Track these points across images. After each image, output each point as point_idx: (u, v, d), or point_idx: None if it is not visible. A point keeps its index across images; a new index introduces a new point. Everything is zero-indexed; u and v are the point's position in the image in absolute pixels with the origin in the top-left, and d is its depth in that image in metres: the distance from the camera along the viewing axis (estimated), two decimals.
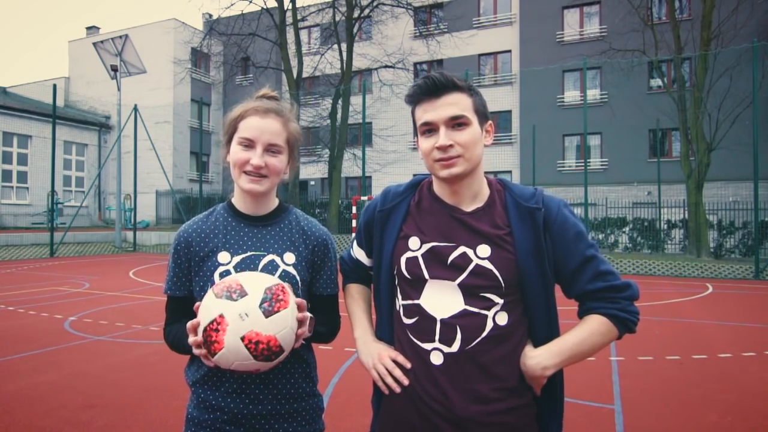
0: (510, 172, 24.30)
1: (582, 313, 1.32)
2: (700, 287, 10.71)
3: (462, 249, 1.28)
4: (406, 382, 1.30)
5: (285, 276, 1.41)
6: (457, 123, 1.26)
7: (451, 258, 1.28)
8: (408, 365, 1.31)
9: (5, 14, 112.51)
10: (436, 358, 1.27)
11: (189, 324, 1.24)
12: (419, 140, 1.32)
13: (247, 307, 1.17)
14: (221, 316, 1.17)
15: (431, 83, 1.26)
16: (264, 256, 1.42)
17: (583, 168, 16.42)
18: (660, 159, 20.39)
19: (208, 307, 1.20)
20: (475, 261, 1.26)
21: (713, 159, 15.70)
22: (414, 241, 1.33)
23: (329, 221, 20.80)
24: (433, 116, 1.26)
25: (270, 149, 1.39)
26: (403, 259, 1.33)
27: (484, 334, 1.25)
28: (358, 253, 1.52)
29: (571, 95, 23.79)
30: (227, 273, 1.38)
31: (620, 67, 18.33)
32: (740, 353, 5.33)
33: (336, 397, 3.97)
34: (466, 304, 1.26)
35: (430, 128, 1.28)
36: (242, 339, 1.16)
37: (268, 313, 1.18)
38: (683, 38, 16.34)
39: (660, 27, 17.90)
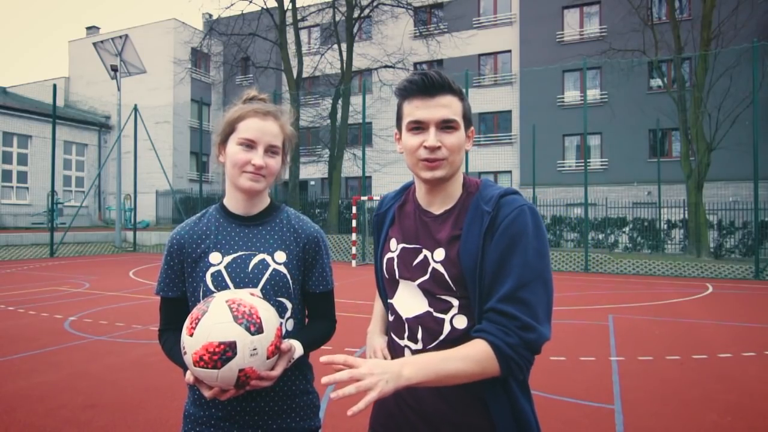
0: (510, 172, 24.31)
1: (471, 331, 1.20)
2: (700, 287, 10.72)
3: (424, 252, 1.31)
4: None
5: (276, 275, 1.43)
6: (447, 126, 1.25)
7: (416, 260, 1.32)
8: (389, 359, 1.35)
9: (5, 14, 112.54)
10: (408, 355, 1.31)
11: (212, 393, 1.25)
12: (403, 136, 1.31)
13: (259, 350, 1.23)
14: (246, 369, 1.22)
15: (428, 82, 1.24)
16: (254, 255, 1.44)
17: (583, 168, 16.42)
18: (660, 159, 20.39)
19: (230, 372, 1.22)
20: (432, 264, 1.28)
21: (713, 159, 15.70)
22: (393, 243, 1.39)
23: (329, 221, 20.80)
24: (426, 115, 1.24)
25: (269, 150, 1.42)
26: (384, 260, 1.40)
27: (442, 336, 1.26)
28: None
29: (571, 95, 23.78)
30: (218, 273, 1.41)
31: (620, 67, 18.34)
32: (740, 353, 5.33)
33: None
34: (429, 306, 1.29)
35: (419, 126, 1.26)
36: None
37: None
38: (683, 38, 16.34)
39: (660, 27, 17.91)
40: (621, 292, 9.98)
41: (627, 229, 19.42)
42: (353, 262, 15.11)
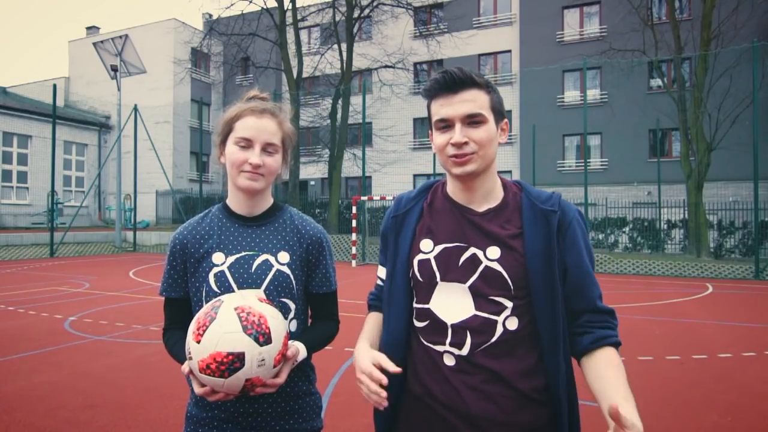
0: (510, 172, 24.29)
1: (591, 342, 1.24)
2: (700, 287, 10.72)
3: (473, 250, 1.26)
4: (385, 402, 1.21)
5: (279, 275, 1.42)
6: (473, 120, 1.24)
7: (461, 259, 1.27)
8: (392, 369, 1.21)
9: (5, 14, 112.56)
10: (449, 360, 1.26)
11: (203, 391, 1.25)
12: (433, 135, 1.30)
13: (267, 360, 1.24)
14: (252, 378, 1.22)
15: (449, 78, 1.24)
16: (258, 255, 1.43)
17: (583, 168, 16.42)
18: (660, 159, 20.38)
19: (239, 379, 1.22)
20: (485, 263, 1.24)
21: (713, 159, 15.70)
22: (426, 244, 1.32)
23: (329, 221, 20.80)
24: (449, 112, 1.24)
25: (267, 149, 1.41)
26: (416, 262, 1.32)
27: (494, 339, 1.23)
28: (382, 273, 1.45)
29: (571, 95, 23.78)
30: (221, 273, 1.40)
31: (620, 67, 18.34)
32: (740, 353, 5.33)
33: (336, 396, 3.97)
34: (476, 308, 1.24)
35: (445, 124, 1.26)
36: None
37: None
38: (683, 38, 16.34)
39: (660, 27, 17.90)
40: (621, 292, 9.98)
41: (627, 229, 19.41)
42: (353, 262, 15.11)
